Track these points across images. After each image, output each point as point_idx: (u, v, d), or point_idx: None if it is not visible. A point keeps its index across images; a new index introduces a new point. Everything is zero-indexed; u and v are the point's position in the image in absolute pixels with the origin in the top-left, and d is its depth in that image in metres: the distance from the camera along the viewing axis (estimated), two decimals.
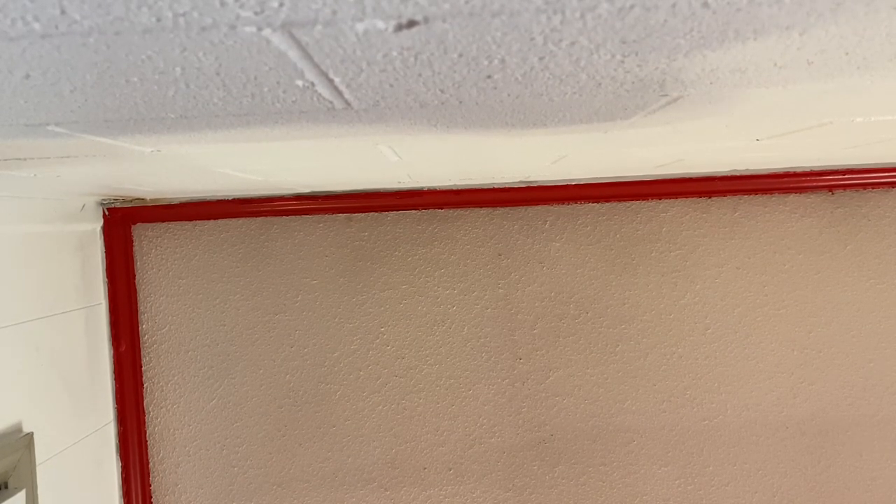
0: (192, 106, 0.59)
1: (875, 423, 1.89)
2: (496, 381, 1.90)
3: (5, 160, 0.89)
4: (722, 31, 0.44)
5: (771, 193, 1.86)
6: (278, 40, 0.42)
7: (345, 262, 1.89)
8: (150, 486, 1.90)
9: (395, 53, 0.46)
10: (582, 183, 1.83)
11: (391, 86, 0.55)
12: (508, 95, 0.61)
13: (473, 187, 1.84)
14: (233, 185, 1.49)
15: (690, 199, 1.87)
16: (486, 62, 0.49)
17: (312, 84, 0.53)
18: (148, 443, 1.90)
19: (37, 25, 0.37)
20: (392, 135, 0.82)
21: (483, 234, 1.89)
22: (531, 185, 1.83)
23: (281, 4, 0.36)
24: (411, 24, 0.40)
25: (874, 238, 1.87)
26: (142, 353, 1.88)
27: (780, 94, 0.67)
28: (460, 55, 0.47)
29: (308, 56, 0.45)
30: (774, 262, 1.88)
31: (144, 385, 1.89)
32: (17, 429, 1.43)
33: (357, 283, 1.89)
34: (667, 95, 0.64)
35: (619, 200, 1.87)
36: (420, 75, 0.52)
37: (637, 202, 1.88)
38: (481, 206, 1.88)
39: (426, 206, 1.87)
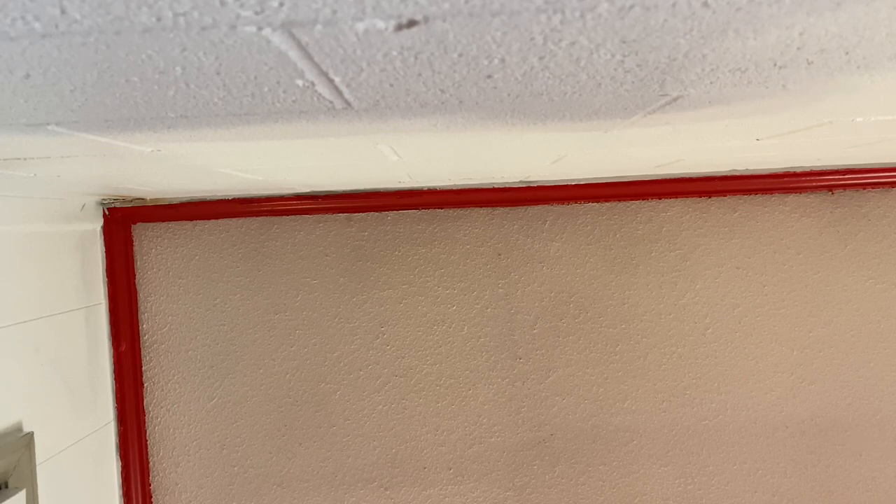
0: (192, 105, 0.59)
1: (875, 423, 1.90)
2: (496, 381, 1.90)
3: (5, 160, 0.89)
4: (722, 30, 0.44)
5: (771, 193, 1.86)
6: (278, 40, 0.42)
7: (345, 261, 1.89)
8: (150, 485, 1.90)
9: (395, 53, 0.46)
10: (582, 183, 1.83)
11: (391, 86, 0.55)
12: (508, 95, 0.61)
13: (473, 187, 1.84)
14: (233, 185, 1.50)
15: (690, 199, 1.87)
16: (486, 62, 0.49)
17: (312, 84, 0.53)
18: (148, 443, 1.90)
19: (37, 25, 0.37)
20: (392, 135, 0.82)
21: (483, 234, 1.89)
22: (531, 185, 1.83)
23: (281, 4, 0.36)
24: (411, 23, 0.40)
25: (874, 238, 1.87)
26: (142, 353, 1.88)
27: (780, 95, 0.67)
28: (460, 55, 0.47)
29: (308, 56, 0.45)
30: (774, 262, 1.88)
31: (144, 385, 1.89)
32: (17, 429, 1.43)
33: (357, 283, 1.89)
34: (667, 95, 0.64)
35: (619, 200, 1.87)
36: (420, 75, 0.52)
37: (637, 202, 1.88)
38: (481, 206, 1.88)
39: (426, 206, 1.87)
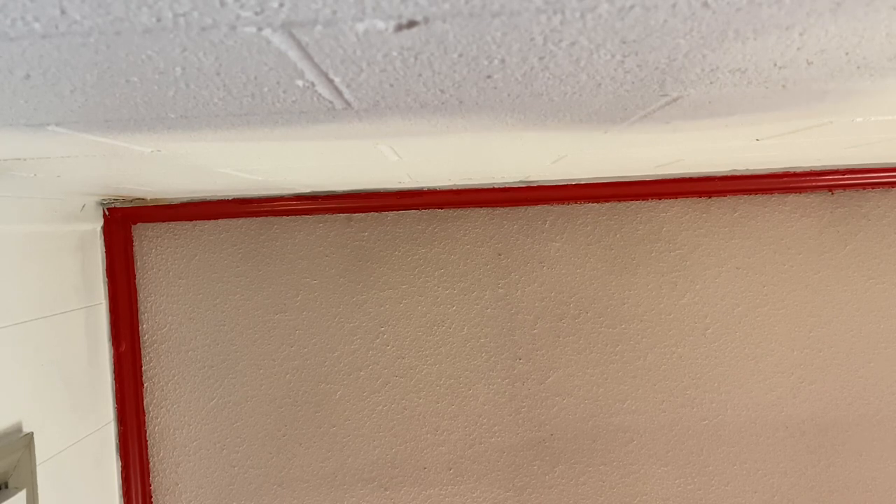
0: (192, 106, 0.59)
1: (875, 423, 1.89)
2: (496, 381, 1.90)
3: (5, 160, 0.89)
4: (722, 31, 0.44)
5: (771, 193, 1.86)
6: (278, 40, 0.42)
7: (345, 262, 1.89)
8: (150, 486, 1.90)
9: (395, 53, 0.46)
10: (582, 183, 1.83)
11: (391, 86, 0.55)
12: (508, 95, 0.61)
13: (473, 187, 1.84)
14: (233, 185, 1.49)
15: (690, 199, 1.87)
16: (486, 62, 0.49)
17: (312, 84, 0.53)
18: (148, 443, 1.90)
19: (37, 25, 0.37)
20: (392, 135, 0.82)
21: (483, 234, 1.89)
22: (531, 185, 1.83)
23: (281, 4, 0.36)
24: (411, 24, 0.40)
25: (874, 238, 1.87)
26: (142, 353, 1.88)
27: (780, 94, 0.67)
28: (460, 55, 0.47)
29: (308, 56, 0.45)
30: (774, 262, 1.88)
31: (144, 385, 1.89)
32: (17, 429, 1.43)
33: (357, 283, 1.89)
34: (667, 95, 0.64)
35: (619, 200, 1.87)
36: (420, 75, 0.52)
37: (637, 202, 1.88)
38: (481, 206, 1.88)
39: (426, 206, 1.87)
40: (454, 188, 1.84)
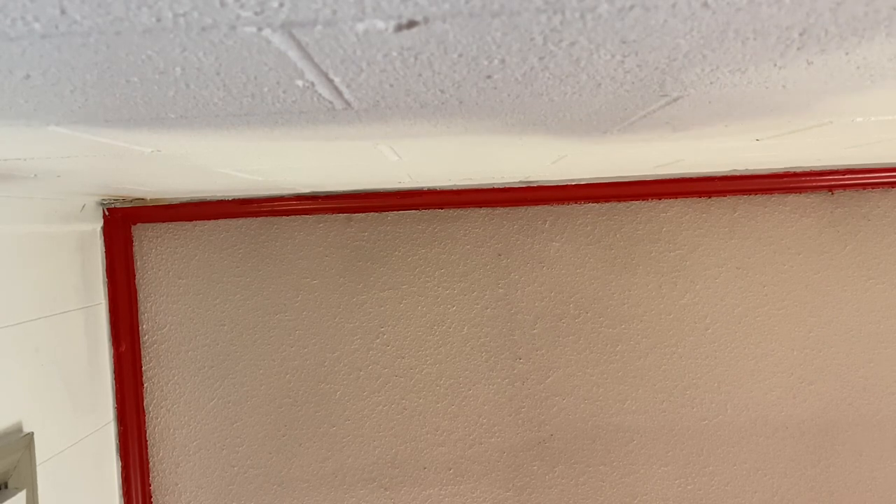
0: (192, 106, 0.59)
1: (875, 423, 1.89)
2: (496, 381, 1.90)
3: (5, 160, 0.89)
4: (722, 31, 0.44)
5: (771, 193, 1.86)
6: (278, 40, 0.42)
7: (345, 262, 1.89)
8: (150, 486, 1.90)
9: (395, 53, 0.46)
10: (582, 183, 1.83)
11: (391, 86, 0.55)
12: (508, 95, 0.61)
13: (473, 187, 1.84)
14: (233, 185, 1.49)
15: (690, 199, 1.87)
16: (486, 62, 0.49)
17: (312, 84, 0.53)
18: (148, 443, 1.90)
19: (37, 25, 0.37)
20: (392, 135, 0.82)
21: (483, 234, 1.89)
22: (531, 185, 1.83)
23: (281, 4, 0.36)
24: (411, 24, 0.40)
25: (874, 238, 1.87)
26: (142, 353, 1.88)
27: (780, 94, 0.67)
28: (460, 55, 0.47)
29: (308, 56, 0.45)
30: (774, 262, 1.88)
31: (144, 385, 1.89)
32: (17, 429, 1.43)
33: (357, 283, 1.89)
34: (667, 95, 0.64)
35: (619, 200, 1.87)
36: (420, 75, 0.52)
37: (637, 202, 1.88)
38: (481, 206, 1.88)
39: (426, 206, 1.87)
40: (454, 188, 1.84)
